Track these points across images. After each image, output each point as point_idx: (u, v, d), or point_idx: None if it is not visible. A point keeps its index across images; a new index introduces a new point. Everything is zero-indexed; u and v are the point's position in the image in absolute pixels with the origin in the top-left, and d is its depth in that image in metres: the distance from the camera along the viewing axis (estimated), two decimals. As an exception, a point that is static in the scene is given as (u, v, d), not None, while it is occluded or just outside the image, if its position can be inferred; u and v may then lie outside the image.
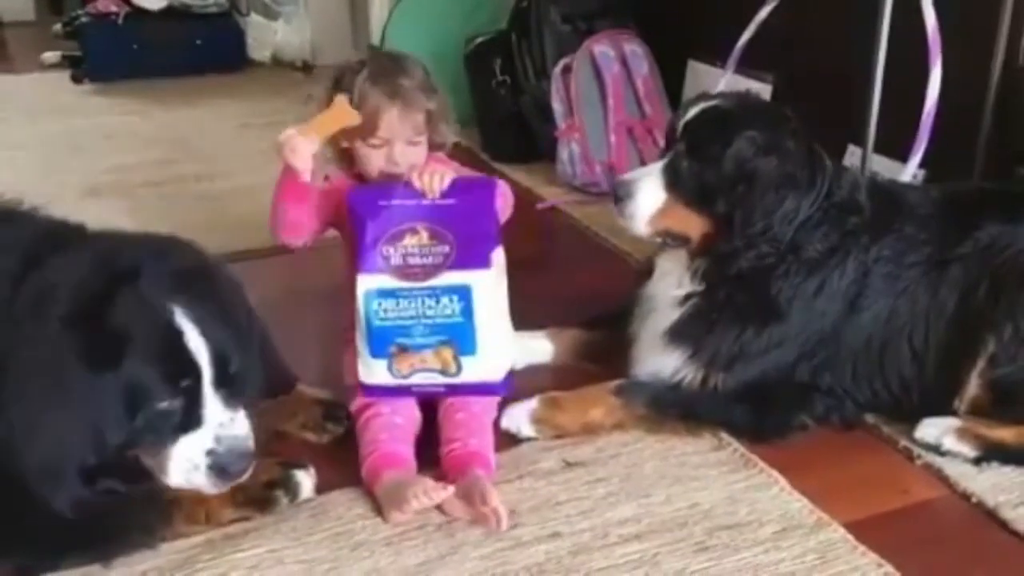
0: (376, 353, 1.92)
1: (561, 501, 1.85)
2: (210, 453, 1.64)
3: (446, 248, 1.90)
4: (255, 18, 5.35)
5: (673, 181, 2.03)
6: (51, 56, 5.18)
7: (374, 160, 2.07)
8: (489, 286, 1.92)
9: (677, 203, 2.03)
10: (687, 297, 2.09)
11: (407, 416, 1.97)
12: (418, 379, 1.94)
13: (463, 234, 1.90)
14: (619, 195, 2.07)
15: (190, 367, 1.61)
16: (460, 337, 1.91)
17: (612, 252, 3.01)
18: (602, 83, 3.47)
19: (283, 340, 2.05)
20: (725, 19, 3.15)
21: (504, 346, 1.98)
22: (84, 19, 4.96)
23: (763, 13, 2.93)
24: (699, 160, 2.00)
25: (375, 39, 4.36)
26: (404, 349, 1.92)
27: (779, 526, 1.79)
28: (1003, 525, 1.82)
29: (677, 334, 2.08)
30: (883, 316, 2.03)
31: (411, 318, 1.90)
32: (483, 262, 1.91)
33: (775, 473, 1.93)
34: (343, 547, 1.73)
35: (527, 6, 3.72)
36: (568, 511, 1.83)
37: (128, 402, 1.57)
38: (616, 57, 3.51)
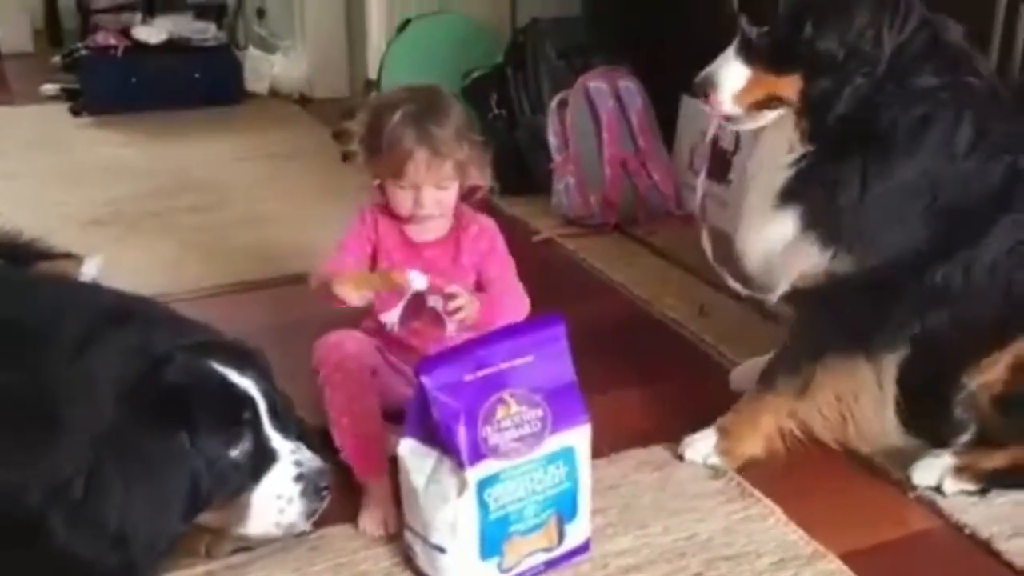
0: (488, 553, 1.67)
1: (559, 532, 1.86)
2: (299, 478, 1.67)
3: (539, 412, 1.69)
4: (253, 51, 5.39)
5: (750, 56, 1.99)
6: (50, 88, 5.20)
7: (401, 201, 2.08)
8: (587, 439, 1.76)
9: (762, 72, 1.98)
10: (799, 160, 2.00)
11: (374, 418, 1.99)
12: (524, 567, 1.73)
13: (549, 390, 1.70)
14: (704, 88, 2.03)
15: (246, 401, 1.66)
16: (565, 503, 1.74)
17: (607, 285, 3.04)
18: (597, 118, 3.51)
19: (282, 371, 2.06)
20: (716, 56, 3.18)
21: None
22: (83, 52, 4.99)
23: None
24: (760, 24, 1.96)
25: (372, 73, 4.39)
26: (516, 536, 1.70)
27: (776, 557, 1.81)
28: (996, 556, 1.83)
29: (789, 192, 2.00)
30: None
31: (521, 499, 1.68)
32: (580, 416, 1.74)
33: (771, 503, 1.95)
34: (343, 578, 1.74)
35: (523, 41, 3.77)
36: (566, 542, 1.83)
37: (204, 455, 1.61)
38: (610, 92, 3.55)
